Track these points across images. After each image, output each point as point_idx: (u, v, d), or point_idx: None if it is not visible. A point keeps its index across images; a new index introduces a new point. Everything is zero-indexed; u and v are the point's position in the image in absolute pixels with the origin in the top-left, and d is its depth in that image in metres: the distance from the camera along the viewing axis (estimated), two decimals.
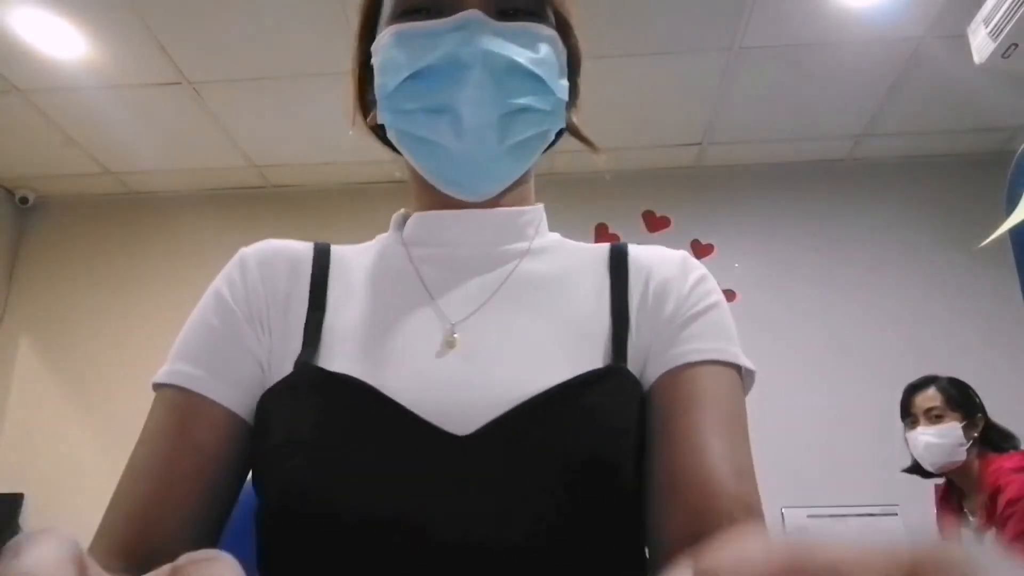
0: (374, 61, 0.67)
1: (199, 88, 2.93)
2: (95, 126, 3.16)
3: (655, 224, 3.47)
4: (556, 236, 0.74)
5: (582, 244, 0.74)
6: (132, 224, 3.65)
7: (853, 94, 3.05)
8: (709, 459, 0.56)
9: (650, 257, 0.70)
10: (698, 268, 0.69)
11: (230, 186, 3.63)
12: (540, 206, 0.74)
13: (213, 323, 0.65)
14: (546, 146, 0.71)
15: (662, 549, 0.56)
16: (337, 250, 0.72)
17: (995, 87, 2.91)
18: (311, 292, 0.66)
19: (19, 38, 2.64)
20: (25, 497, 3.21)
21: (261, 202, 3.62)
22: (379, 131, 0.71)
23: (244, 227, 3.42)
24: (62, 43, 2.68)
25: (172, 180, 3.58)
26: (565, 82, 0.68)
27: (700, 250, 3.40)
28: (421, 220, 0.70)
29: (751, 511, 0.54)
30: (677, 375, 0.61)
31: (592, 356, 0.62)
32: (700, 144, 3.40)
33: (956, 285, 3.26)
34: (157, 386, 0.63)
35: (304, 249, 0.70)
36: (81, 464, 3.20)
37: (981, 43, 1.45)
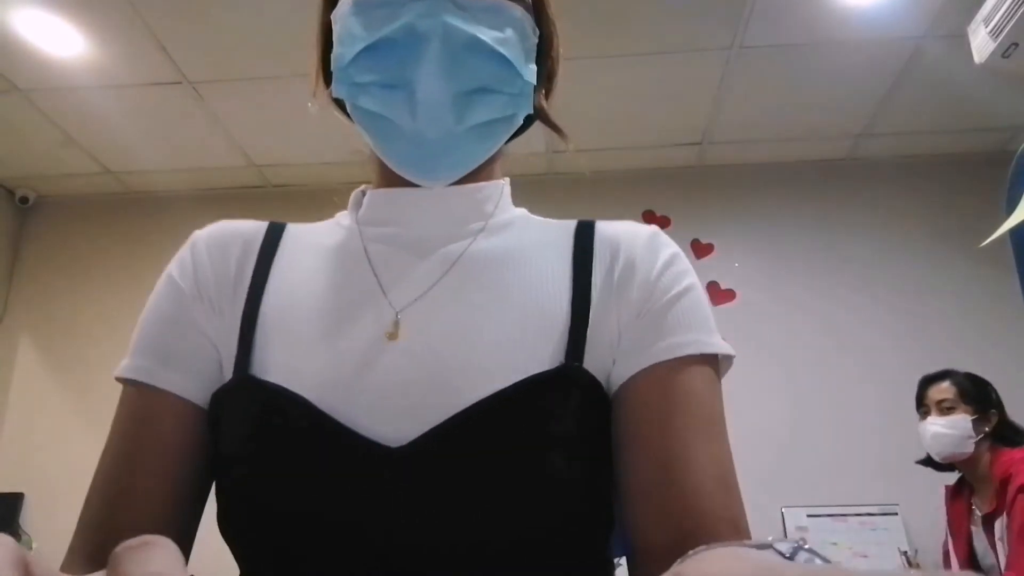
0: (333, 27, 0.63)
1: (199, 88, 2.93)
2: (95, 126, 3.16)
3: (655, 224, 3.47)
4: (521, 212, 0.70)
5: (549, 220, 0.69)
6: (132, 224, 3.64)
7: (853, 94, 3.05)
8: (692, 471, 0.54)
9: (617, 234, 0.65)
10: (668, 246, 0.65)
11: (230, 186, 3.63)
12: (502, 180, 0.70)
13: (166, 311, 0.63)
14: (513, 131, 0.66)
15: (644, 559, 0.54)
16: (293, 229, 0.69)
17: (995, 87, 2.91)
18: (253, 277, 0.64)
19: (19, 38, 2.64)
20: (25, 497, 3.21)
21: (261, 202, 3.62)
22: (342, 104, 0.67)
23: None
24: (62, 43, 2.68)
25: (172, 180, 3.58)
26: (534, 66, 0.64)
27: (700, 250, 3.40)
28: (374, 199, 0.67)
29: (736, 528, 0.53)
30: (652, 374, 0.57)
31: (544, 349, 0.57)
32: (700, 144, 3.40)
33: (956, 285, 3.26)
34: (119, 380, 0.62)
35: (257, 229, 0.68)
36: (81, 464, 3.19)
37: (981, 43, 1.45)
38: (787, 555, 0.32)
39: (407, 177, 0.63)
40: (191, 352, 0.61)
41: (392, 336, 0.58)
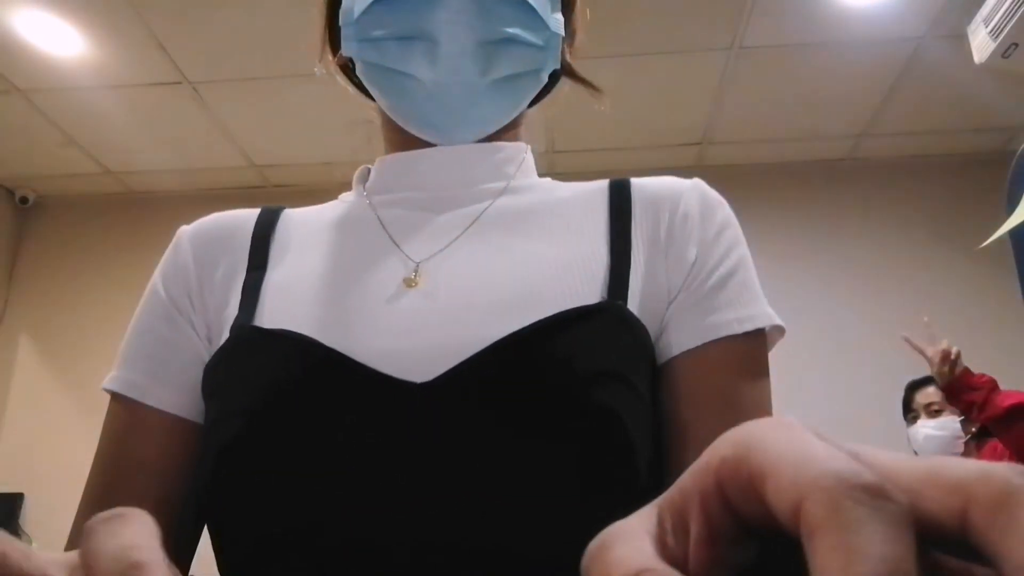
0: None
1: (199, 88, 2.93)
2: (95, 126, 3.16)
3: None
4: (547, 180, 0.64)
5: (577, 183, 0.63)
6: (132, 224, 3.64)
7: (853, 94, 3.05)
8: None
9: (659, 188, 0.59)
10: (720, 205, 0.60)
11: (230, 186, 3.63)
12: (526, 144, 0.64)
13: (151, 321, 0.60)
14: (539, 89, 0.61)
15: None
16: (290, 211, 0.65)
17: (995, 87, 2.91)
18: (251, 253, 0.59)
19: (19, 38, 2.64)
20: (25, 497, 3.21)
21: (261, 202, 3.56)
22: (351, 73, 0.62)
23: None
24: (62, 43, 2.68)
25: (172, 180, 3.58)
26: (560, 16, 0.59)
27: None
28: (383, 165, 0.62)
29: None
30: (711, 352, 0.53)
31: (583, 289, 0.52)
32: (700, 144, 3.40)
33: (956, 285, 3.26)
34: (106, 391, 0.60)
35: (249, 214, 0.64)
36: (81, 464, 3.17)
37: (981, 43, 1.45)
38: None
39: (424, 137, 0.59)
40: (179, 364, 0.58)
41: (410, 283, 0.53)
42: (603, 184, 0.61)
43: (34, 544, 3.31)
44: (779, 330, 0.57)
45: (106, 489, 0.57)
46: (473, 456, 0.47)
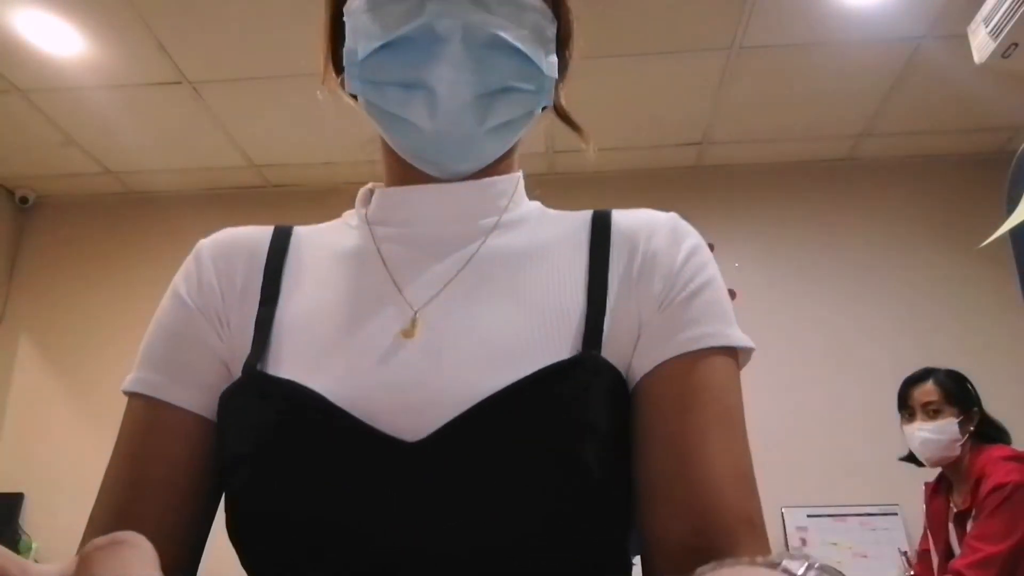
0: (346, 21, 0.62)
1: (199, 88, 2.93)
2: (95, 126, 3.16)
3: None
4: (535, 205, 0.68)
5: (564, 212, 0.67)
6: (132, 224, 3.64)
7: (853, 94, 3.05)
8: (709, 466, 0.53)
9: (636, 224, 0.63)
10: (690, 236, 0.63)
11: (230, 186, 3.63)
12: (517, 174, 0.68)
13: (172, 324, 0.62)
14: (532, 125, 0.65)
15: (658, 554, 0.54)
16: (299, 232, 0.67)
17: (995, 87, 2.91)
18: (264, 283, 0.62)
19: (19, 38, 2.64)
20: (25, 497, 3.21)
21: (261, 202, 3.62)
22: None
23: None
24: (62, 43, 2.68)
25: (172, 180, 3.58)
26: (554, 58, 0.62)
27: None
28: (384, 197, 0.65)
29: (752, 524, 0.53)
30: (671, 366, 0.56)
31: (561, 343, 0.56)
32: (700, 144, 3.40)
33: (956, 285, 3.26)
34: (126, 393, 0.62)
35: (263, 235, 0.66)
36: (81, 464, 3.19)
37: (981, 43, 1.45)
38: (797, 574, 0.32)
39: (423, 169, 0.62)
40: (199, 367, 0.61)
41: (408, 334, 0.57)
42: (586, 219, 0.65)
43: (34, 544, 3.31)
44: (745, 351, 0.60)
45: (131, 481, 0.58)
46: (458, 513, 0.50)
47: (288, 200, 3.57)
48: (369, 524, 0.51)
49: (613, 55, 2.74)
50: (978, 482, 2.09)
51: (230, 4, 2.51)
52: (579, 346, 0.56)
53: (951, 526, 2.25)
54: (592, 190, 3.17)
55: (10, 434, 3.40)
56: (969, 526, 2.10)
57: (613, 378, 0.56)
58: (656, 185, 3.50)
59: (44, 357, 3.50)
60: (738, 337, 0.59)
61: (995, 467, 2.07)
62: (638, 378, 0.57)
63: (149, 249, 3.55)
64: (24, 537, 3.13)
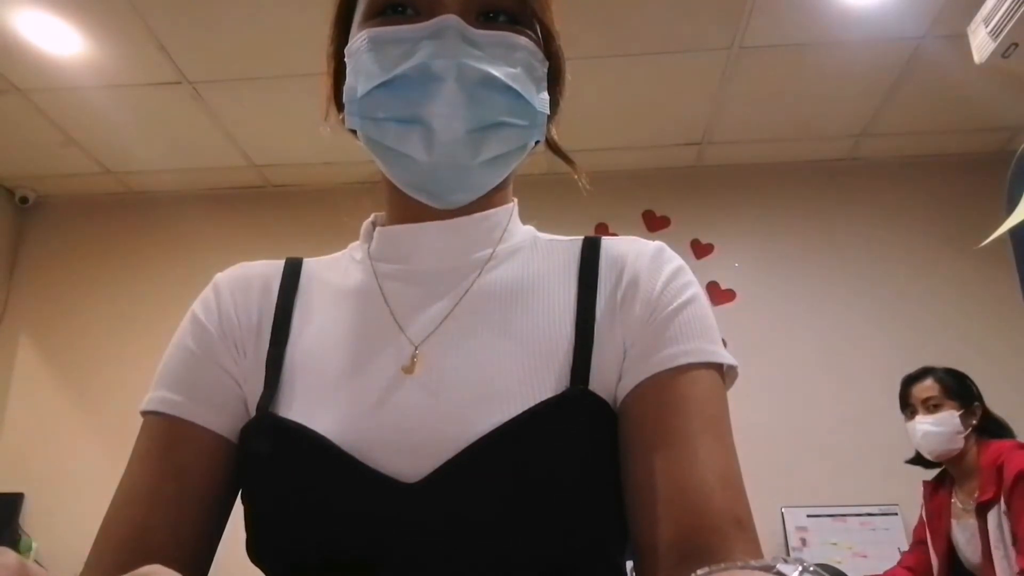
0: (347, 61, 0.65)
1: (199, 88, 2.93)
2: (95, 126, 3.16)
3: (655, 224, 3.47)
4: (529, 231, 0.71)
5: (556, 238, 0.71)
6: (132, 224, 3.65)
7: (853, 94, 3.05)
8: (695, 470, 0.55)
9: (623, 251, 0.67)
10: (671, 261, 0.66)
11: (230, 186, 3.63)
12: (510, 204, 0.71)
13: (191, 347, 0.65)
14: (525, 158, 0.68)
15: (650, 560, 0.55)
16: (308, 266, 0.71)
17: (995, 87, 2.91)
18: (275, 322, 0.66)
19: (19, 38, 2.64)
20: (25, 497, 3.21)
21: (261, 202, 3.62)
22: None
23: (244, 227, 3.41)
24: (62, 43, 2.68)
25: (172, 180, 3.58)
26: (546, 95, 0.66)
27: (700, 250, 3.40)
28: (384, 236, 0.69)
29: (740, 525, 0.54)
30: (656, 381, 0.59)
31: (550, 379, 0.59)
32: (700, 144, 3.40)
33: (956, 285, 3.26)
34: (143, 413, 0.64)
35: (275, 271, 0.70)
36: (81, 464, 3.20)
37: (981, 43, 1.45)
38: None
39: (421, 200, 0.64)
40: (216, 388, 0.64)
41: (408, 370, 0.60)
42: (576, 247, 0.68)
43: (34, 544, 3.31)
44: (730, 369, 0.62)
45: (145, 492, 0.60)
46: (457, 553, 0.53)
47: (288, 200, 3.57)
48: (372, 564, 0.53)
49: (613, 55, 2.74)
50: (999, 471, 2.09)
51: (230, 4, 2.51)
52: (566, 382, 0.58)
53: (955, 523, 2.26)
54: (592, 190, 3.17)
55: (10, 434, 3.40)
56: (992, 516, 2.10)
57: (601, 410, 0.59)
58: (656, 185, 3.50)
59: (44, 357, 3.50)
60: (720, 354, 0.61)
61: (1012, 455, 2.09)
62: (622, 398, 0.60)
63: (149, 249, 3.55)
64: (24, 537, 3.13)
